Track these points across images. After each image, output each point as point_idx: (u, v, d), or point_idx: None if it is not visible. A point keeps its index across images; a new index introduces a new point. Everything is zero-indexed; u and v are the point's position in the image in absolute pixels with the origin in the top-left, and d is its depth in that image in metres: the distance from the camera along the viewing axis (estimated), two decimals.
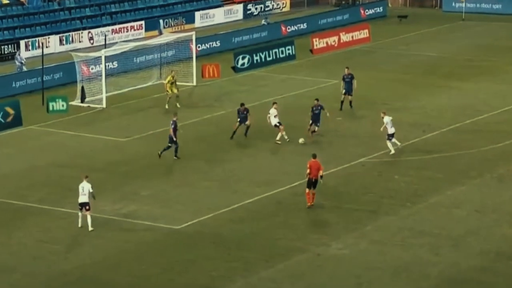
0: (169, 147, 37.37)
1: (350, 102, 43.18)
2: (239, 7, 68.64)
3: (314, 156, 32.18)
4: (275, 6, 70.86)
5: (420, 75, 51.54)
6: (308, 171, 31.87)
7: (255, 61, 53.38)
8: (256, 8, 69.40)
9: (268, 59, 54.11)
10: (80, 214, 30.31)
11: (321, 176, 31.83)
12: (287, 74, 52.20)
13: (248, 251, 28.70)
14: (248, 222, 31.04)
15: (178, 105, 44.92)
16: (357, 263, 27.84)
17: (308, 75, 51.40)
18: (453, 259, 27.97)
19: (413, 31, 63.56)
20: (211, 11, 66.59)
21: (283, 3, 71.66)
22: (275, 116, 38.76)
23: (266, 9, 69.83)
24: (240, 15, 68.41)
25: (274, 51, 54.55)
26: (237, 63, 52.61)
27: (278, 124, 38.65)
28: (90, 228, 30.08)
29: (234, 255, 28.44)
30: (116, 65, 50.73)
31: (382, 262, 27.87)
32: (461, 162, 36.61)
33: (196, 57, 51.15)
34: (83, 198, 30.15)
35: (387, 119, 37.22)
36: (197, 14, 65.48)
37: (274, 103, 39.19)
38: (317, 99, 39.78)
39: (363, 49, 58.63)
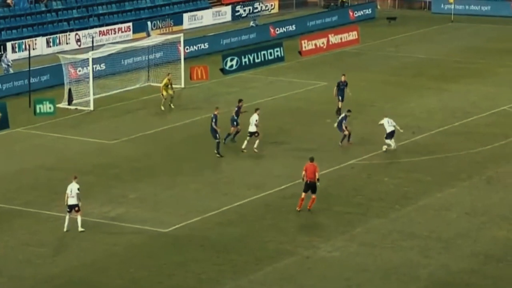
0: (218, 143, 37.35)
1: (339, 109, 43.00)
2: (228, 9, 68.66)
3: (311, 159, 32.05)
4: (263, 7, 70.92)
5: (409, 77, 51.65)
6: (303, 173, 31.72)
7: (243, 63, 53.39)
8: (244, 10, 69.43)
9: (256, 61, 54.12)
10: (67, 217, 30.20)
11: (318, 179, 31.66)
12: (276, 76, 52.24)
13: (237, 254, 28.67)
14: (237, 225, 31.02)
15: (172, 105, 44.89)
16: (347, 266, 27.85)
17: (297, 77, 51.45)
18: (443, 261, 28.01)
19: (402, 33, 63.71)
20: (199, 13, 66.59)
21: (271, 5, 71.71)
22: (255, 124, 38.12)
23: (255, 11, 69.88)
24: (228, 17, 68.44)
25: (262, 53, 54.57)
26: (226, 65, 52.60)
27: (256, 134, 37.94)
28: (80, 229, 30.02)
29: (223, 258, 28.41)
30: (104, 67, 50.66)
31: (372, 264, 27.89)
32: (450, 164, 36.69)
33: (184, 59, 51.14)
34: (72, 200, 30.07)
35: (384, 120, 37.22)
36: (185, 16, 65.46)
37: (257, 109, 38.86)
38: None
39: (352, 51, 58.74)
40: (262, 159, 37.92)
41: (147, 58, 51.46)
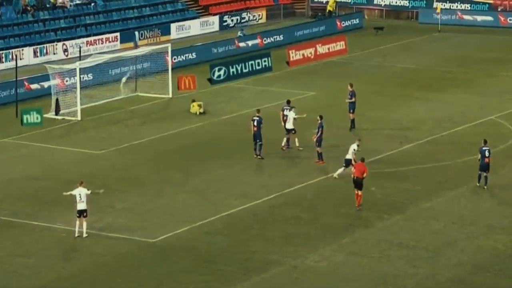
0: (260, 145, 38.05)
1: (352, 120, 42.78)
2: (215, 19, 68.77)
3: (362, 160, 33.55)
4: (251, 17, 71.06)
5: (396, 86, 51.85)
6: (353, 169, 33.31)
7: (231, 73, 53.50)
8: (232, 20, 69.54)
9: (244, 71, 54.24)
10: (77, 222, 30.31)
11: (363, 178, 33.04)
12: (264, 86, 52.35)
13: (224, 264, 28.70)
14: (225, 235, 31.05)
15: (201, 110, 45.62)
16: (334, 276, 27.91)
17: (285, 87, 51.56)
18: (430, 271, 28.11)
19: (390, 43, 63.94)
20: (186, 23, 66.66)
21: (259, 15, 71.87)
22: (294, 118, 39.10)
23: (242, 20, 70.00)
24: (216, 27, 68.51)
25: (250, 63, 54.70)
26: (213, 75, 52.69)
27: (293, 131, 39.05)
28: (85, 235, 30.27)
29: (210, 268, 28.43)
30: (91, 77, 50.65)
31: (360, 274, 27.96)
32: (438, 174, 36.82)
33: (172, 69, 51.17)
34: (81, 206, 30.35)
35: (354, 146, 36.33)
36: (173, 26, 65.51)
37: (293, 107, 39.79)
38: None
39: (340, 60, 58.92)
40: (249, 168, 37.98)
41: (134, 68, 51.47)
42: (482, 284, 27.44)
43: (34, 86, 49.00)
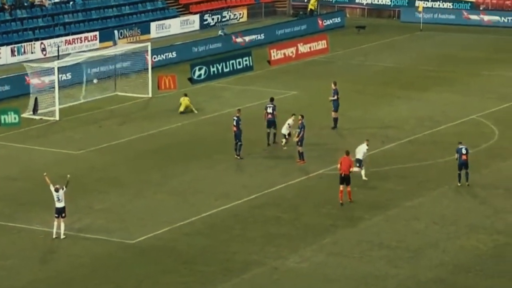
0: (240, 145, 38.19)
1: (335, 119, 42.92)
2: (196, 18, 68.72)
3: (347, 153, 33.72)
4: (232, 16, 71.04)
5: (378, 85, 51.98)
6: (338, 166, 33.39)
7: (212, 73, 53.47)
8: (212, 19, 69.52)
9: (225, 70, 54.23)
10: (55, 223, 30.20)
11: (350, 171, 33.53)
12: (245, 85, 52.36)
13: (204, 265, 28.68)
14: (205, 236, 31.03)
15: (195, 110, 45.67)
16: (315, 277, 27.95)
17: (266, 86, 51.59)
18: (412, 272, 28.20)
19: (372, 42, 64.11)
20: (167, 22, 66.58)
21: (240, 14, 71.87)
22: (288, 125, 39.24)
23: (223, 19, 69.96)
24: (196, 26, 68.47)
25: (231, 62, 54.69)
26: (194, 75, 52.64)
27: (288, 135, 39.18)
28: (62, 236, 30.19)
29: (190, 269, 28.40)
30: (70, 76, 50.48)
31: (341, 275, 28.01)
32: (419, 174, 36.95)
33: (152, 68, 51.09)
34: (60, 204, 30.15)
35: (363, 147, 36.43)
36: (153, 25, 65.42)
37: (293, 114, 39.78)
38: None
39: (321, 60, 59.02)
40: (230, 169, 37.97)
41: (114, 68, 51.35)
42: (464, 284, 27.56)
43: (10, 86, 48.75)
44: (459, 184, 35.16)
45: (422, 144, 40.91)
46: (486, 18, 69.77)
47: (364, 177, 35.86)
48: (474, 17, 69.94)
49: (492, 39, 65.09)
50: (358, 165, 35.64)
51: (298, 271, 28.33)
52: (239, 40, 62.18)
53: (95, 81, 48.67)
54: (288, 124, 39.34)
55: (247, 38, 62.65)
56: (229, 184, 35.94)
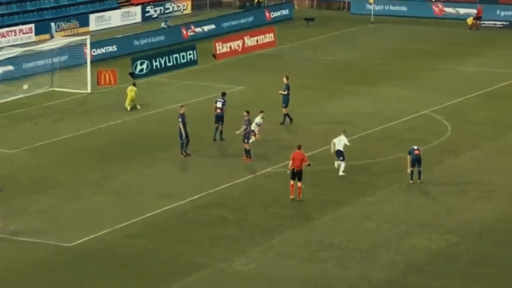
0: (182, 143, 38.08)
1: (285, 115, 43.00)
2: (137, 10, 68.44)
3: (299, 147, 33.93)
4: (175, 8, 70.90)
5: (328, 80, 52.28)
6: (290, 162, 33.51)
7: (154, 67, 53.34)
8: (155, 11, 69.31)
9: (168, 64, 54.15)
10: None
11: (309, 164, 33.94)
12: (189, 80, 52.29)
13: (147, 268, 28.59)
14: (147, 237, 30.93)
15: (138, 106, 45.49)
16: (262, 279, 28.02)
17: (212, 81, 51.59)
18: (362, 272, 28.41)
19: (321, 34, 64.44)
20: (107, 14, 66.21)
21: (184, 5, 71.74)
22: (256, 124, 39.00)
23: (166, 11, 69.81)
24: (138, 18, 68.23)
25: (174, 56, 54.61)
26: (135, 69, 52.45)
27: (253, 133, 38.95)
28: None
29: (132, 273, 28.30)
30: (2, 71, 49.94)
31: (289, 276, 28.12)
32: (370, 171, 37.22)
33: (91, 62, 50.76)
34: None
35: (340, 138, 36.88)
36: (92, 17, 65.03)
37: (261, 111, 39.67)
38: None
39: (269, 53, 59.17)
40: (174, 167, 37.90)
41: (50, 62, 50.91)
42: (416, 284, 27.83)
43: None
44: (411, 182, 35.51)
45: (373, 141, 41.23)
46: (438, 10, 70.55)
47: (341, 172, 36.19)
48: (426, 8, 70.68)
49: (445, 31, 65.86)
50: (341, 158, 36.24)
51: (244, 273, 28.38)
52: (183, 33, 62.06)
53: (25, 86, 48.04)
54: (256, 123, 38.96)
55: (191, 31, 62.60)
56: (173, 184, 35.87)
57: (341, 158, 36.34)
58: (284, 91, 43.24)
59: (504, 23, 67.24)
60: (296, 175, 33.72)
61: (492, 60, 56.95)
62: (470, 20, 67.09)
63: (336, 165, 36.62)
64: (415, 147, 35.51)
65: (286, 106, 43.08)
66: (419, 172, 35.45)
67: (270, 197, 34.45)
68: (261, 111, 39.59)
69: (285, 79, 43.62)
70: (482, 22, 67.01)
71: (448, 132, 42.43)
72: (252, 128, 38.85)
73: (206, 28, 63.46)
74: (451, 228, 31.63)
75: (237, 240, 30.74)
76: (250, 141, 38.25)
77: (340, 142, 36.56)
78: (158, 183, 35.93)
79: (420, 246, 30.26)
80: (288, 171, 34.00)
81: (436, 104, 46.72)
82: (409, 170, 35.35)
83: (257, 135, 38.86)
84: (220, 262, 29.01)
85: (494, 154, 39.44)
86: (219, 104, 40.80)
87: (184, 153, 38.49)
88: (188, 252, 29.77)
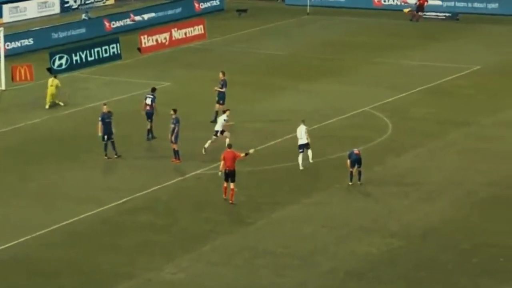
0: (105, 144, 38.11)
1: (217, 112, 43.09)
2: (55, 0, 67.90)
3: (229, 146, 34.23)
4: None
5: (262, 75, 52.49)
6: (222, 162, 33.74)
7: (74, 62, 53.07)
8: (75, 1, 68.92)
9: (89, 59, 53.93)
10: None
11: (246, 154, 34.31)
12: (112, 75, 52.11)
13: (67, 279, 28.47)
14: (68, 245, 30.78)
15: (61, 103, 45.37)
16: None
17: (136, 77, 51.47)
18: (299, 280, 28.61)
19: (254, 27, 64.68)
20: (22, 4, 65.68)
21: None
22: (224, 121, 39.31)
23: (87, 2, 69.39)
24: (56, 9, 67.79)
25: (96, 50, 54.40)
26: (54, 64, 52.12)
27: (222, 132, 39.13)
28: None
29: (51, 284, 28.16)
30: None
31: (222, 285, 28.22)
32: (307, 172, 37.46)
33: (5, 57, 50.35)
34: None
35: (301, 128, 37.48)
36: (5, 8, 64.44)
37: (227, 109, 39.88)
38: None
39: (198, 47, 59.22)
40: (98, 169, 37.74)
41: None
42: None
43: None
44: (350, 183, 35.84)
45: (310, 139, 41.42)
46: (377, 0, 71.27)
47: (311, 160, 37.05)
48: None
49: (383, 23, 66.57)
50: (301, 150, 36.91)
51: (174, 282, 28.41)
52: (105, 25, 61.76)
53: None
54: (225, 120, 39.05)
55: (114, 23, 62.34)
56: (97, 187, 35.73)
57: (301, 151, 36.97)
58: (222, 88, 43.30)
59: (447, 14, 68.20)
60: (229, 176, 33.83)
61: (435, 53, 57.72)
62: (406, 10, 67.90)
63: (300, 160, 37.05)
64: (355, 150, 35.81)
65: (223, 103, 43.12)
66: (359, 172, 35.81)
67: (202, 200, 34.51)
68: (228, 109, 39.78)
69: (221, 75, 43.72)
70: (424, 13, 67.84)
71: (389, 130, 42.91)
72: (220, 128, 38.92)
73: (130, 20, 63.25)
74: (392, 232, 32.00)
75: (166, 247, 30.74)
76: (227, 141, 38.17)
77: (301, 134, 37.23)
78: (80, 186, 35.75)
79: (360, 251, 30.57)
80: (220, 173, 34.12)
81: (377, 100, 47.20)
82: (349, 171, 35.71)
83: (225, 133, 38.93)
84: (147, 271, 28.98)
85: (438, 153, 39.99)
86: (148, 101, 40.77)
87: (115, 155, 38.30)
88: (112, 261, 29.68)
